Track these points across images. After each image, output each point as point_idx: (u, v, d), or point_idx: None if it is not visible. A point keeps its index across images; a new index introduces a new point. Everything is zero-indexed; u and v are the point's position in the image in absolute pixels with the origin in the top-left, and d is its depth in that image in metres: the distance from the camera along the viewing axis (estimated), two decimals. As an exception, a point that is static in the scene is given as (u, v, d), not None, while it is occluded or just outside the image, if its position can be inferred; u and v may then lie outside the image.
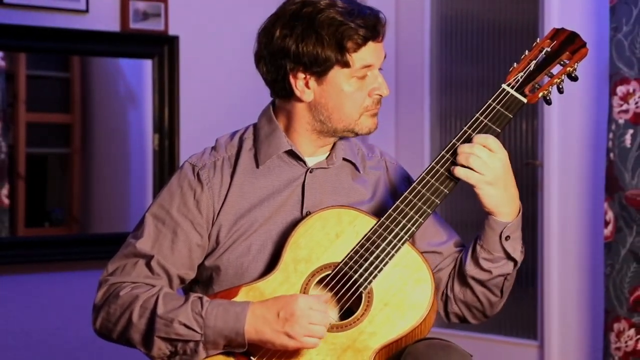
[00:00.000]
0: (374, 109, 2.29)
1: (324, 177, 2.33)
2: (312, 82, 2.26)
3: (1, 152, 4.05)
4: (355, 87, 2.26)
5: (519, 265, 2.30)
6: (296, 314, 2.12)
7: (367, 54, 2.24)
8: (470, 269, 2.29)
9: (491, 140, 2.19)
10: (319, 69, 2.24)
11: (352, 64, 2.23)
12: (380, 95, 2.29)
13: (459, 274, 2.32)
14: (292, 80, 2.26)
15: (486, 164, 2.18)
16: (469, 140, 2.22)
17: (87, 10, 4.09)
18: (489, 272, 2.28)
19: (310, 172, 2.32)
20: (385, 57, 2.30)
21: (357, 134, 2.31)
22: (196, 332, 2.16)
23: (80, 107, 4.22)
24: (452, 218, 4.30)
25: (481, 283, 2.30)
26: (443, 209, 4.27)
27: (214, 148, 2.37)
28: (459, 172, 2.19)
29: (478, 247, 2.27)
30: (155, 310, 2.19)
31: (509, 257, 2.27)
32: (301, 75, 2.25)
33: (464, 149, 2.19)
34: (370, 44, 2.24)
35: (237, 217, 2.28)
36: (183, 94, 4.27)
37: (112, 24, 4.15)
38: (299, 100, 2.28)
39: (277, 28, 2.25)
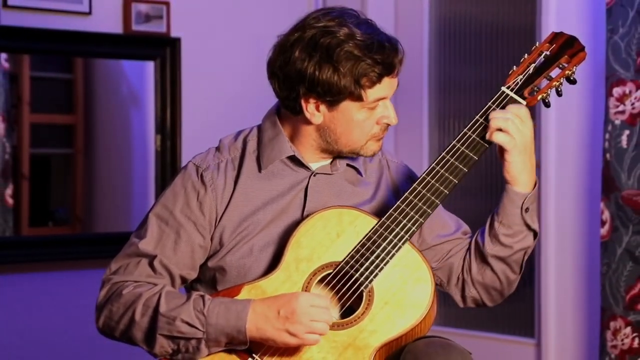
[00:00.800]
0: (381, 135, 2.30)
1: (327, 181, 2.34)
2: (323, 107, 2.25)
3: (5, 153, 4.05)
4: (366, 116, 2.26)
5: (537, 236, 2.32)
6: (297, 311, 2.13)
7: (382, 89, 2.24)
8: (490, 247, 2.30)
9: (523, 111, 2.22)
10: (331, 98, 2.23)
11: (366, 99, 2.23)
12: (388, 124, 2.30)
13: (478, 254, 2.33)
14: (303, 103, 2.25)
15: (519, 130, 2.20)
16: (469, 140, 2.24)
17: (90, 13, 4.08)
18: (510, 247, 2.29)
19: (314, 175, 2.33)
20: (397, 86, 2.30)
21: (361, 156, 2.32)
22: (198, 329, 2.17)
23: (83, 108, 4.22)
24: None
25: (502, 260, 2.31)
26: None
27: (217, 149, 2.36)
28: (497, 136, 2.20)
29: (496, 225, 2.29)
30: (157, 308, 2.20)
31: (529, 228, 2.29)
32: (313, 100, 2.25)
33: (499, 114, 2.21)
34: (385, 80, 2.24)
35: (240, 220, 2.29)
36: (185, 95, 4.27)
37: (114, 26, 4.14)
38: (308, 121, 2.29)
39: (295, 50, 2.22)
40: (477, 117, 2.25)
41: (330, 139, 2.29)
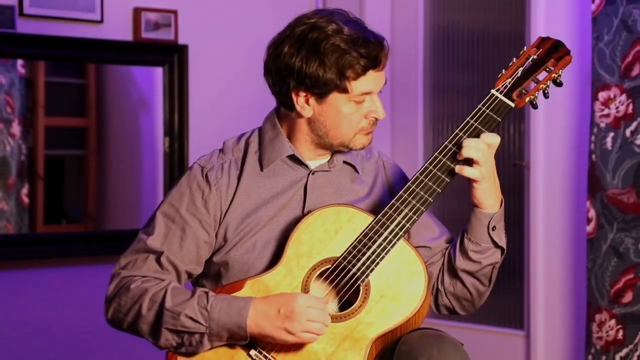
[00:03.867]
0: (369, 129, 2.28)
1: (325, 179, 2.33)
2: (312, 100, 2.25)
3: (21, 154, 4.05)
4: (353, 109, 2.24)
5: (505, 252, 2.30)
6: (295, 311, 2.12)
7: (367, 82, 2.22)
8: (460, 262, 2.29)
9: (490, 137, 2.19)
10: (319, 91, 2.22)
11: (351, 91, 2.22)
12: (376, 118, 2.27)
13: (449, 268, 2.31)
14: (294, 96, 2.25)
15: (487, 160, 2.19)
16: (459, 142, 2.21)
17: (101, 21, 4.08)
18: (479, 262, 2.28)
19: (312, 174, 2.32)
20: (385, 82, 2.28)
21: (351, 149, 2.30)
22: (201, 324, 2.16)
23: (95, 111, 4.22)
24: (443, 215, 4.30)
25: (471, 274, 2.29)
26: (434, 206, 4.27)
27: (221, 150, 2.36)
28: (467, 171, 2.18)
29: (466, 241, 2.27)
30: (163, 303, 2.19)
31: (497, 245, 2.27)
32: (302, 94, 2.24)
33: (472, 143, 2.18)
34: (371, 73, 2.22)
35: (243, 217, 2.28)
36: (192, 99, 4.26)
37: (125, 34, 4.14)
38: (299, 115, 2.28)
39: (285, 46, 2.23)
40: (467, 118, 2.23)
41: (321, 132, 2.27)
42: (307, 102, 2.25)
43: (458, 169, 2.19)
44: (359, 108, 2.25)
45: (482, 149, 2.18)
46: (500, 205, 2.26)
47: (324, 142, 2.29)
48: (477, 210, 2.25)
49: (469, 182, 2.22)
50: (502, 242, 2.28)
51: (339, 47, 2.19)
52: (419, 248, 2.32)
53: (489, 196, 2.23)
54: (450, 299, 2.34)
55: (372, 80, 2.23)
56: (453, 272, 2.30)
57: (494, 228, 2.25)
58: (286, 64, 2.22)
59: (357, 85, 2.21)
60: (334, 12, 2.25)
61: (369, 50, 2.20)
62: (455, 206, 4.16)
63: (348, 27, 2.21)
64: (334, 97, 2.23)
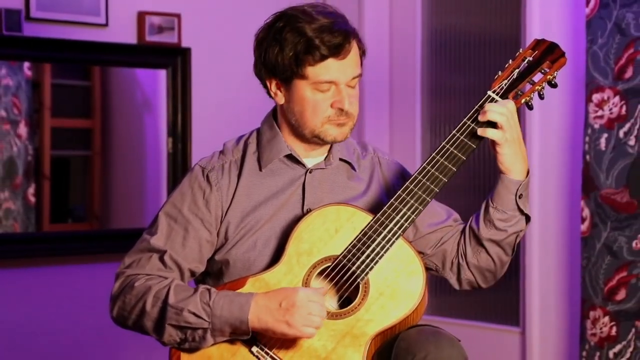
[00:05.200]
0: (337, 120, 2.24)
1: (323, 176, 2.32)
2: (282, 87, 2.26)
3: (28, 155, 4.04)
4: (318, 97, 2.22)
5: (530, 220, 2.29)
6: (297, 304, 2.11)
7: (325, 70, 2.20)
8: (485, 231, 2.27)
9: (511, 105, 2.18)
10: (283, 76, 2.23)
11: (309, 77, 2.20)
12: (341, 109, 2.24)
13: (472, 240, 2.30)
14: (268, 84, 2.27)
15: (511, 125, 2.17)
16: (458, 142, 2.21)
17: (106, 24, 4.08)
18: (505, 231, 2.26)
19: (310, 172, 2.31)
20: (359, 76, 2.25)
21: (323, 141, 2.27)
22: (204, 320, 2.15)
23: (100, 113, 4.21)
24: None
25: (497, 243, 2.28)
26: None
27: (221, 152, 2.36)
28: (489, 132, 2.17)
29: (491, 210, 2.25)
30: (166, 299, 2.18)
31: (522, 213, 2.26)
32: (273, 80, 2.26)
33: (494, 107, 2.16)
34: (330, 61, 2.19)
35: (243, 215, 2.28)
36: (195, 101, 4.26)
37: (129, 37, 4.13)
38: (277, 102, 2.28)
39: (259, 37, 2.27)
40: (465, 119, 2.22)
41: (292, 120, 2.27)
42: (278, 88, 2.26)
43: (480, 131, 2.18)
44: (324, 96, 2.23)
45: (505, 113, 2.16)
46: (528, 174, 2.24)
47: (299, 132, 2.28)
48: (504, 177, 2.23)
49: (492, 147, 2.20)
50: (528, 210, 2.27)
51: (301, 34, 2.18)
52: (431, 233, 2.32)
53: (515, 161, 2.21)
54: (473, 272, 2.33)
55: (333, 69, 2.20)
56: (477, 242, 2.29)
57: (520, 196, 2.23)
58: (257, 54, 2.26)
59: (316, 72, 2.20)
60: (318, 5, 2.26)
61: (332, 38, 2.18)
62: (458, 204, 4.16)
63: (321, 17, 2.20)
64: (297, 83, 2.22)
